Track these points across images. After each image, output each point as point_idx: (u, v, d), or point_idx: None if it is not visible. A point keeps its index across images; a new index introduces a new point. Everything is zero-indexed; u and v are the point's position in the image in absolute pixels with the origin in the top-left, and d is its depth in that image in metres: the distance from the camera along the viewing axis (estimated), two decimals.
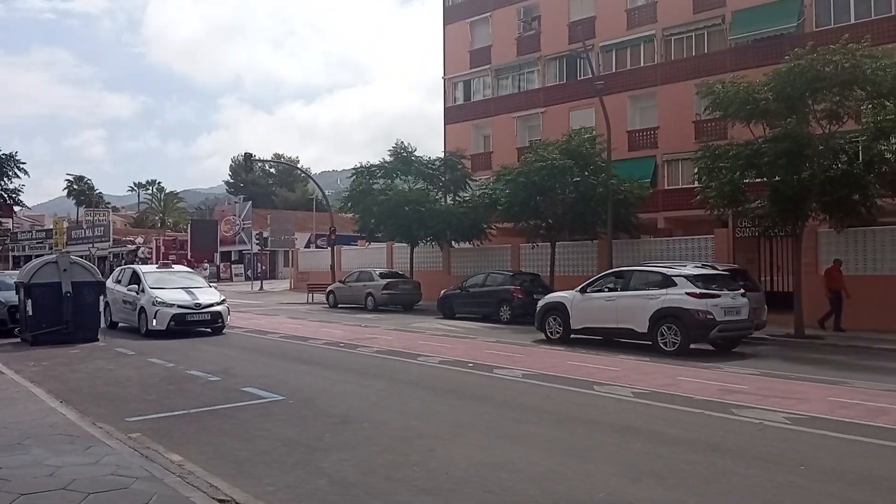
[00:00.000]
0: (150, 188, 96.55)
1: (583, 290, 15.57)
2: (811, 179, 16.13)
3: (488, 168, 32.93)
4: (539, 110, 34.14)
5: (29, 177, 19.07)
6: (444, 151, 33.01)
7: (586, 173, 23.17)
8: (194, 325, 17.01)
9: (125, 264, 60.91)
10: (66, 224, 73.21)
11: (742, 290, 14.53)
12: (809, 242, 18.97)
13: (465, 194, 29.52)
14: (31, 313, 15.09)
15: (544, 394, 9.56)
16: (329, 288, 29.50)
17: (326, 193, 41.92)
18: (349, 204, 30.46)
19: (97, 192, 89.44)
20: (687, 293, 13.49)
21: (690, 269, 14.51)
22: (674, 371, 11.46)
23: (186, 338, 16.05)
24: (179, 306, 16.79)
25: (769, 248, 21.30)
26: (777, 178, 16.40)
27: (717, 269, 15.32)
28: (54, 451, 6.28)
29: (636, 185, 23.85)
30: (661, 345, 13.62)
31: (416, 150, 29.97)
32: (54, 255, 16.56)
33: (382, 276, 27.35)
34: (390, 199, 27.77)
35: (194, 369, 11.63)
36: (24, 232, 77.09)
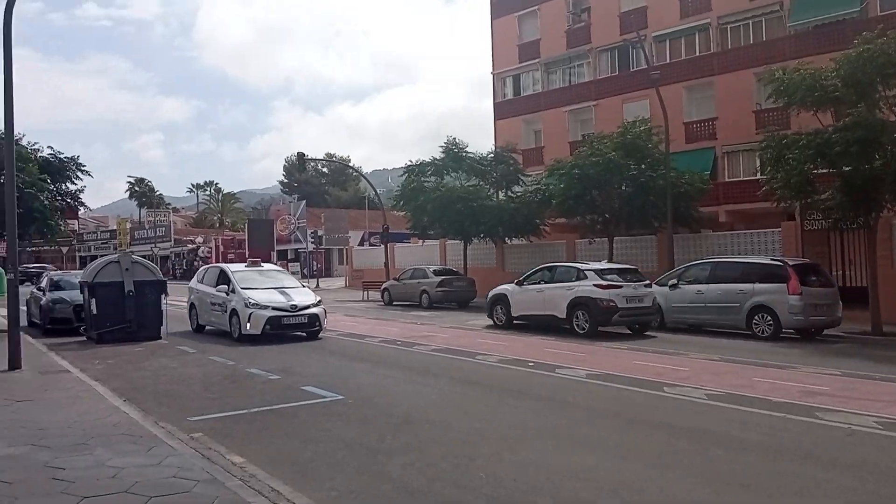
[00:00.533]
0: (208, 189, 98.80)
1: (520, 283, 17.89)
2: (884, 168, 15.31)
3: (540, 163, 32.49)
4: (591, 103, 33.46)
5: (92, 177, 19.40)
6: (495, 147, 32.65)
7: (643, 166, 22.53)
8: (291, 328, 15.44)
9: (186, 264, 62.59)
10: (129, 225, 75.52)
11: (647, 282, 16.70)
12: (885, 234, 18.05)
13: (518, 190, 29.13)
14: (95, 312, 15.38)
15: (612, 395, 9.18)
16: (384, 285, 29.51)
17: (378, 192, 42.04)
18: (401, 202, 30.42)
19: (157, 193, 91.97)
20: (594, 285, 15.86)
21: (600, 265, 17.03)
22: (748, 371, 10.92)
23: (281, 343, 14.73)
24: (274, 308, 15.19)
25: (840, 242, 20.36)
26: (848, 167, 15.61)
27: (619, 265, 17.84)
28: (117, 452, 6.24)
29: (696, 178, 23.11)
30: (576, 328, 15.97)
31: (467, 145, 29.77)
32: (116, 255, 16.77)
33: (436, 273, 27.18)
34: (442, 195, 27.59)
35: (254, 367, 11.62)
36: (90, 233, 79.84)
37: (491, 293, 18.84)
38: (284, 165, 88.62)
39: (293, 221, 57.03)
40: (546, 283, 17.28)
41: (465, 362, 12.22)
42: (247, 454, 6.43)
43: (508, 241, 29.52)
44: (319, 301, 16.20)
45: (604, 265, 17.11)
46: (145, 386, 10.21)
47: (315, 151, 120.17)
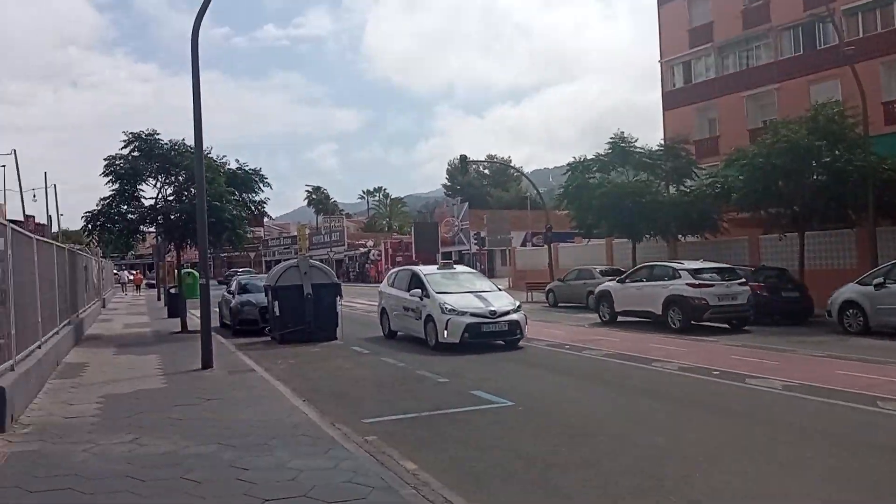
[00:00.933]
0: (377, 195, 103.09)
1: (622, 281, 19.48)
2: None
3: (715, 154, 30.44)
4: (772, 87, 30.89)
5: (272, 188, 20.62)
6: (664, 139, 30.99)
7: (837, 152, 20.21)
8: (490, 336, 14.22)
9: (359, 266, 65.51)
10: (307, 231, 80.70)
11: (741, 280, 17.25)
12: None
13: (691, 183, 27.38)
14: (277, 314, 16.32)
15: (816, 410, 8.13)
16: (548, 286, 28.99)
17: (539, 191, 41.53)
18: (565, 200, 29.66)
19: (332, 200, 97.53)
20: (687, 284, 16.93)
21: (695, 265, 17.85)
22: None
23: (480, 353, 13.47)
24: (472, 314, 14.06)
25: None
26: None
27: (716, 264, 18.37)
28: (297, 454, 6.37)
29: None
30: (670, 323, 17.03)
31: (636, 139, 28.44)
32: (296, 260, 17.65)
33: (603, 273, 26.16)
34: (608, 192, 26.50)
35: (424, 369, 11.68)
36: (273, 239, 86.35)
37: (597, 289, 20.63)
38: (447, 168, 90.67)
39: (456, 224, 57.96)
40: (645, 280, 18.52)
41: (641, 369, 11.49)
42: (419, 460, 6.33)
43: (682, 239, 27.85)
44: (519, 306, 14.86)
45: (699, 265, 17.88)
46: (322, 386, 10.56)
47: (476, 153, 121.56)
